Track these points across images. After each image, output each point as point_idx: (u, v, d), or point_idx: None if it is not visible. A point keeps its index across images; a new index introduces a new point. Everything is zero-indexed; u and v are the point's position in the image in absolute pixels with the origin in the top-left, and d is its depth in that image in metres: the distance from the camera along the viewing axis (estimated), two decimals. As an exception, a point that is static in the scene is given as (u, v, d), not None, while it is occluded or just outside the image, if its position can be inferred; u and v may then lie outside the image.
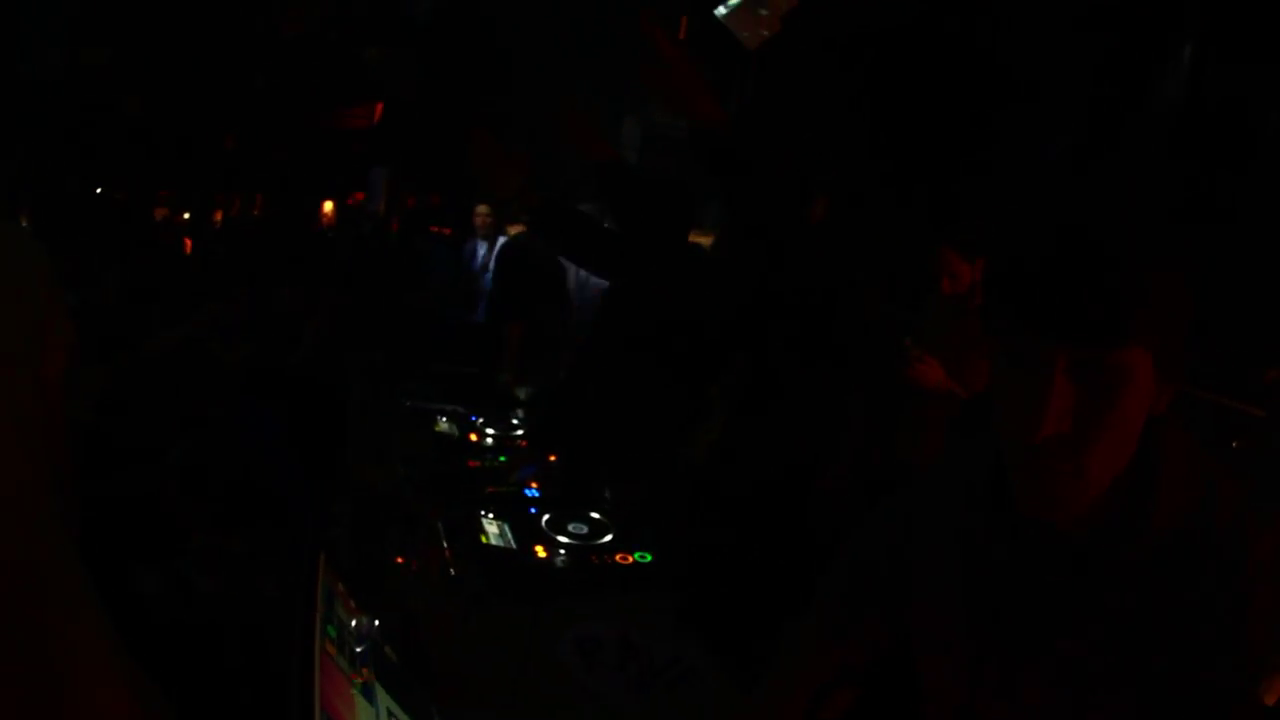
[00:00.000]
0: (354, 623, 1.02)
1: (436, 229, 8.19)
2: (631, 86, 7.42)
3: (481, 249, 6.49)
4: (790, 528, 2.35)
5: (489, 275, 6.29)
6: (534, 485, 2.38)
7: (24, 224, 3.98)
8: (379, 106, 10.49)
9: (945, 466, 1.23)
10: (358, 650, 0.98)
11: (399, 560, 1.85)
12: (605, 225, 2.92)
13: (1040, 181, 4.12)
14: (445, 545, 1.78)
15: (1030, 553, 0.99)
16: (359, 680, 0.95)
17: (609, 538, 2.09)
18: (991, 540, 1.03)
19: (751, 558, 2.17)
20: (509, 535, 2.02)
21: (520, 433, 2.95)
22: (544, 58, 7.94)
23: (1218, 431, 3.35)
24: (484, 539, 1.97)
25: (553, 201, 2.58)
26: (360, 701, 0.92)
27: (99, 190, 9.21)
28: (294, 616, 0.91)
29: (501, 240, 6.34)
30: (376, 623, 1.07)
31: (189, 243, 10.31)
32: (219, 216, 12.75)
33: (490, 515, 2.08)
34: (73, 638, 1.02)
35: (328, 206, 12.52)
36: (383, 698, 0.98)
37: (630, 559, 2.00)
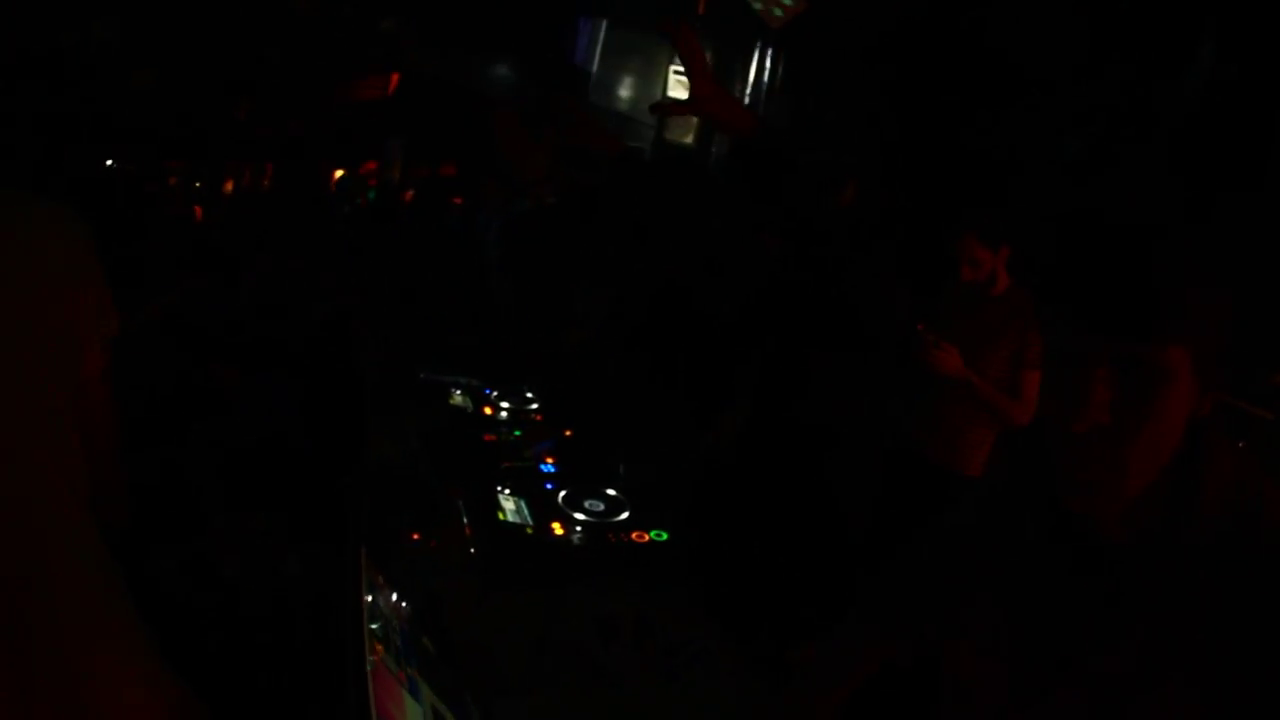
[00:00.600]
0: (395, 617, 1.01)
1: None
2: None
3: (496, 221, 6.44)
4: (809, 514, 2.35)
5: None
6: (549, 460, 2.38)
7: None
8: (394, 77, 10.43)
9: (1002, 475, 1.24)
10: (400, 645, 0.98)
11: (415, 537, 1.85)
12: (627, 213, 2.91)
13: (1062, 176, 4.09)
14: (465, 523, 1.78)
15: (1074, 554, 0.98)
16: (405, 678, 0.94)
17: (625, 515, 2.09)
18: (1039, 540, 1.03)
19: (770, 544, 2.18)
20: (525, 512, 2.02)
21: (535, 406, 2.95)
22: (555, 41, 7.87)
23: (1225, 431, 3.33)
24: (501, 516, 1.97)
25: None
26: (409, 701, 0.92)
27: (109, 163, 9.17)
28: (343, 620, 0.90)
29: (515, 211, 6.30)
30: (413, 614, 1.06)
31: (199, 211, 10.29)
32: (229, 186, 12.72)
33: (507, 491, 2.08)
34: (97, 640, 1.00)
35: (339, 175, 12.47)
36: (426, 693, 0.98)
37: (646, 537, 2.00)
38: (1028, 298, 2.75)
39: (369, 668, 0.84)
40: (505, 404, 2.91)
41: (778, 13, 5.39)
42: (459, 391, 2.95)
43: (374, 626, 0.92)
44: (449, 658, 1.16)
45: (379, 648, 0.90)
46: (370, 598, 0.95)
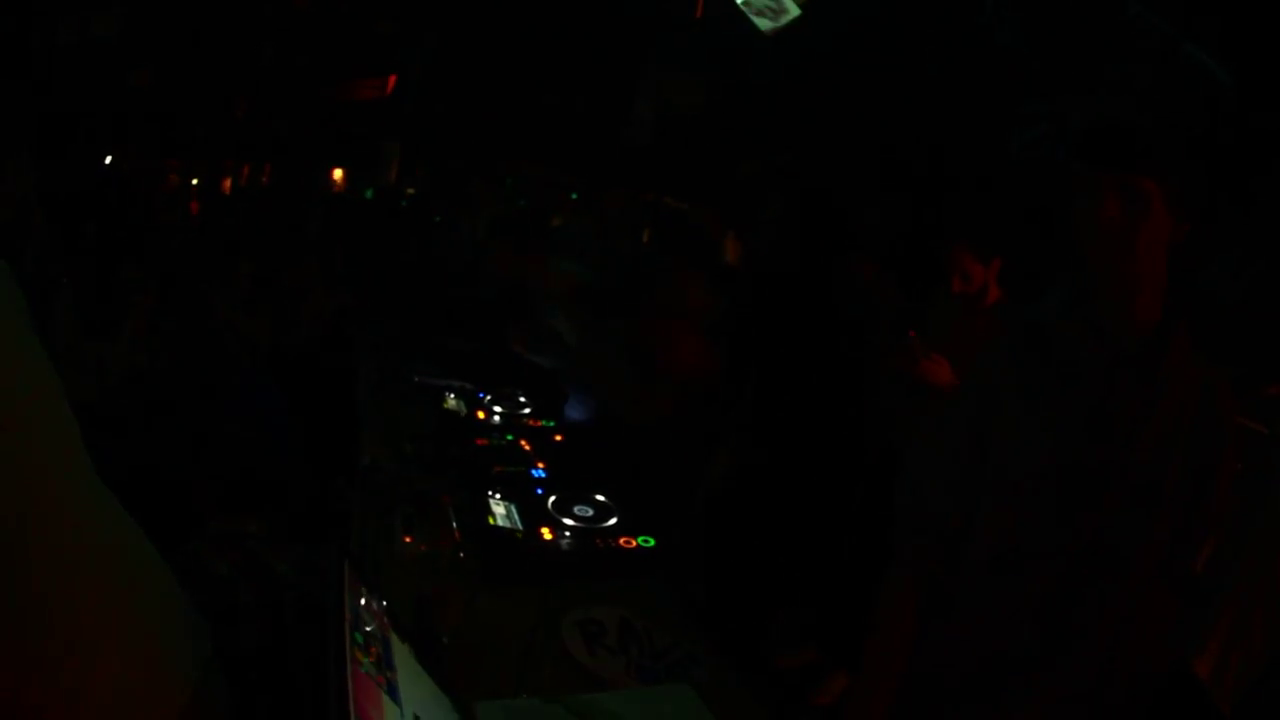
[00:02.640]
0: (377, 624, 1.03)
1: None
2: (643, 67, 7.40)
3: (482, 222, 6.43)
4: (796, 522, 2.38)
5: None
6: (541, 466, 2.41)
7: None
8: (392, 79, 10.45)
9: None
10: (382, 651, 1.00)
11: (407, 539, 1.87)
12: None
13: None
14: (455, 526, 1.80)
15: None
16: (385, 681, 0.96)
17: (613, 521, 2.12)
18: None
19: (759, 551, 2.20)
20: (515, 517, 2.05)
21: (527, 411, 2.98)
22: (555, 38, 7.89)
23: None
24: (491, 520, 2.00)
25: None
26: (388, 703, 0.94)
27: (107, 161, 9.18)
28: (324, 630, 0.92)
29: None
30: (394, 620, 1.08)
31: (195, 206, 10.29)
32: (227, 185, 12.73)
33: (498, 496, 2.12)
34: (83, 609, 1.01)
35: (337, 174, 12.50)
36: (407, 696, 1.00)
37: (634, 543, 2.03)
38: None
39: (349, 670, 0.86)
40: (498, 408, 2.94)
41: (779, 19, 5.43)
42: (452, 395, 2.98)
43: (356, 635, 0.94)
44: (431, 661, 1.18)
45: (360, 655, 0.92)
46: (353, 610, 0.97)
